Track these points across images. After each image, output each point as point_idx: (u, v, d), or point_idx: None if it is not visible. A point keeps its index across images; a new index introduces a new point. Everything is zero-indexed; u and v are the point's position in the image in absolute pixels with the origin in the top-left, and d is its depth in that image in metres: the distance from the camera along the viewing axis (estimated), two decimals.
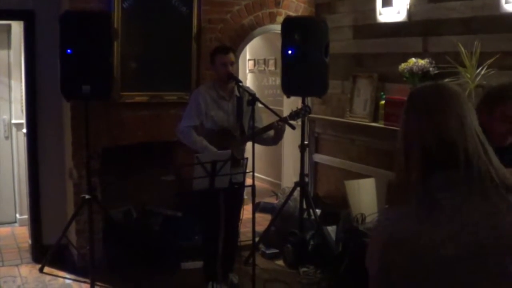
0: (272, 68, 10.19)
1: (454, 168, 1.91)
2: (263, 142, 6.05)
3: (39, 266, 6.62)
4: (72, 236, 6.67)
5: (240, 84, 5.79)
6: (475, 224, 1.86)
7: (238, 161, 5.71)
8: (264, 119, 6.10)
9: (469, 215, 1.87)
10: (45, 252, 6.67)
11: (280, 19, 7.45)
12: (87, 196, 6.20)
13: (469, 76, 5.44)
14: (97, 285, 6.08)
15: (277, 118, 5.78)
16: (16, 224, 8.19)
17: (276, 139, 6.01)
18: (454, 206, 1.89)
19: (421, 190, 1.93)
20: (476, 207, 1.88)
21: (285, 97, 7.45)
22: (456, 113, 1.96)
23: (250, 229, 5.73)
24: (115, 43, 6.52)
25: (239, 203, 6.13)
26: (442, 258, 1.86)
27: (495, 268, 1.84)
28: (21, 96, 7.71)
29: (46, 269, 6.56)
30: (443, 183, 1.92)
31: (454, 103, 1.99)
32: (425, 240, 1.89)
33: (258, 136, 5.68)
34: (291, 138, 8.45)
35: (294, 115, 5.96)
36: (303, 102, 6.79)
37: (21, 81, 7.55)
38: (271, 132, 5.91)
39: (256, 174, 5.54)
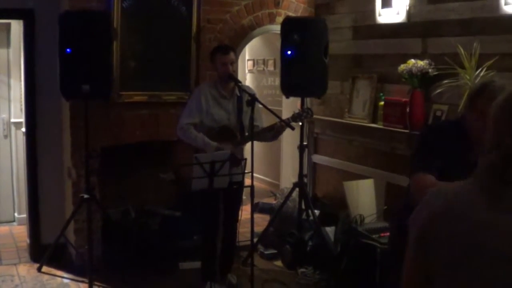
0: (271, 68, 10.20)
1: None
2: (262, 139, 6.07)
3: (37, 265, 6.62)
4: (71, 235, 6.67)
5: (240, 84, 5.79)
6: None
7: (237, 161, 5.72)
8: (263, 119, 6.10)
9: None
10: (44, 251, 6.66)
11: (280, 19, 7.45)
12: (85, 196, 6.20)
13: (468, 77, 5.44)
14: (95, 284, 6.07)
15: (277, 118, 5.79)
16: (15, 223, 8.19)
17: (275, 137, 6.04)
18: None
19: (496, 181, 1.90)
20: None
21: (284, 97, 7.45)
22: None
23: (248, 229, 5.73)
24: (115, 43, 6.51)
25: (238, 203, 6.13)
26: (493, 256, 1.84)
27: None
28: (20, 95, 7.72)
29: (44, 268, 6.56)
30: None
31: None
32: (485, 229, 1.87)
33: (257, 136, 5.68)
34: (290, 138, 8.46)
35: (296, 116, 5.97)
36: (302, 105, 6.80)
37: (20, 80, 7.55)
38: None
39: (255, 175, 5.53)
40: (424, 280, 2.04)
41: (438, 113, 6.05)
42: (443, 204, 2.00)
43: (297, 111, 6.11)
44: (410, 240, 2.09)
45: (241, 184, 5.99)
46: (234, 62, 6.00)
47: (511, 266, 1.81)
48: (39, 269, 6.55)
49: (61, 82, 6.05)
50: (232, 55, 5.87)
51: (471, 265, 1.88)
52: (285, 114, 7.58)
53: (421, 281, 2.06)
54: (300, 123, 6.91)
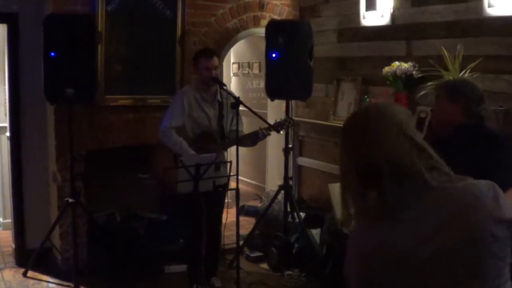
0: (256, 71, 10.22)
1: (393, 185, 1.97)
2: (243, 144, 6.05)
3: (22, 270, 6.58)
4: (56, 240, 6.64)
5: (224, 88, 5.80)
6: (448, 223, 1.91)
7: (221, 164, 5.72)
8: (247, 122, 6.11)
9: (441, 216, 1.93)
10: (29, 256, 6.62)
11: (264, 22, 7.46)
12: (70, 200, 6.18)
13: (452, 79, 5.47)
14: None
15: (260, 122, 5.79)
16: (0, 228, 8.15)
17: (254, 143, 6.03)
18: (424, 211, 1.95)
19: (380, 204, 1.99)
20: (446, 207, 1.94)
21: (269, 100, 7.45)
22: (373, 136, 2.03)
23: (234, 232, 5.73)
24: (99, 46, 6.50)
25: (221, 205, 6.13)
26: (420, 261, 1.91)
27: (472, 265, 1.89)
28: (5, 99, 7.68)
29: (30, 273, 6.52)
30: (397, 198, 1.97)
31: (369, 127, 2.06)
32: (401, 245, 1.94)
33: (240, 141, 5.67)
34: (275, 141, 8.46)
35: (277, 125, 5.98)
36: (287, 108, 6.82)
37: (4, 84, 7.51)
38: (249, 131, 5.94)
39: (240, 177, 5.53)
40: None
41: (423, 115, 6.05)
42: (368, 242, 2.05)
43: (278, 120, 6.10)
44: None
45: (225, 186, 5.99)
46: (218, 67, 6.00)
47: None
48: (24, 274, 6.51)
49: (46, 86, 6.03)
50: (215, 60, 5.87)
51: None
52: (270, 117, 7.60)
53: None
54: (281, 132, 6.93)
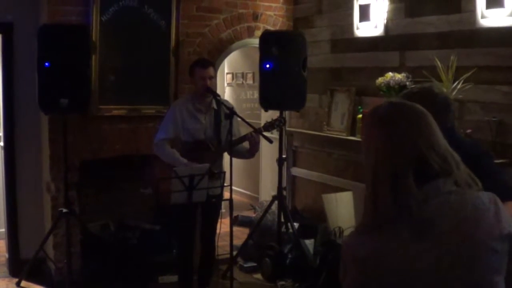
0: (250, 81, 10.23)
1: (424, 184, 1.95)
2: (239, 155, 6.03)
3: (16, 280, 6.56)
4: (50, 250, 6.63)
5: (218, 98, 5.80)
6: (447, 234, 1.90)
7: (214, 174, 5.71)
8: (242, 133, 6.10)
9: (441, 226, 1.92)
10: (22, 266, 6.61)
11: (258, 33, 7.49)
12: (64, 210, 6.18)
13: (445, 90, 5.46)
14: None
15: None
16: None
17: (252, 151, 5.99)
18: (427, 220, 1.93)
19: (393, 206, 1.96)
20: (447, 218, 1.92)
21: (263, 110, 7.47)
22: (419, 130, 2.02)
23: (228, 242, 5.73)
24: (93, 56, 6.50)
25: (216, 216, 6.12)
26: (417, 271, 1.90)
27: (469, 278, 1.89)
28: None
29: (23, 283, 6.50)
30: (415, 198, 1.94)
31: (420, 120, 2.06)
32: (399, 254, 1.93)
33: (233, 147, 5.66)
34: (269, 151, 8.48)
35: (268, 125, 5.98)
36: (280, 115, 6.82)
37: None
38: (247, 144, 5.93)
39: (234, 188, 5.54)
40: None
41: None
42: (371, 248, 2.03)
43: (269, 119, 6.11)
44: None
45: (219, 197, 6.00)
46: (213, 77, 6.00)
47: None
48: (18, 284, 6.50)
49: (40, 95, 6.04)
50: (211, 69, 5.87)
51: None
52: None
53: None
54: (278, 135, 6.93)
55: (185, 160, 5.66)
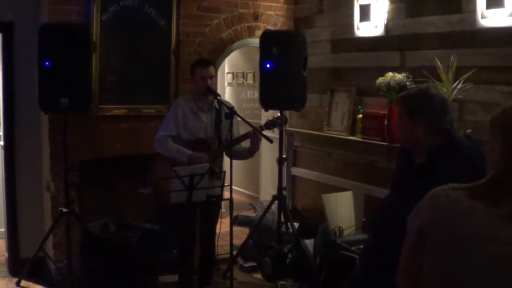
0: (250, 81, 10.23)
1: None
2: (239, 156, 6.02)
3: (16, 279, 6.55)
4: (50, 249, 6.63)
5: (218, 98, 5.80)
6: None
7: (215, 174, 5.71)
8: (242, 132, 6.10)
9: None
10: (22, 265, 6.61)
11: (259, 33, 7.48)
12: (64, 209, 6.18)
13: (445, 90, 5.47)
14: None
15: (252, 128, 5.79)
16: None
17: (252, 150, 5.99)
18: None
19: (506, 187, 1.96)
20: None
21: (263, 110, 7.47)
22: None
23: (228, 242, 5.73)
24: (94, 56, 6.50)
25: (216, 216, 6.12)
26: (480, 256, 1.90)
27: None
28: None
29: (23, 282, 6.50)
30: None
31: None
32: (474, 231, 1.93)
33: (233, 146, 5.66)
34: (269, 151, 8.47)
35: (269, 124, 5.98)
36: (280, 114, 6.81)
37: None
38: (247, 144, 5.93)
39: (234, 187, 5.54)
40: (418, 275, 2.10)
41: None
42: (443, 207, 2.04)
43: (270, 118, 6.11)
44: (408, 236, 2.16)
45: (219, 197, 6.00)
46: (214, 76, 6.01)
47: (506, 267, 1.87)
48: (17, 284, 6.49)
49: (40, 95, 6.04)
50: (212, 69, 5.88)
51: (466, 265, 1.94)
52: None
53: (416, 272, 2.12)
54: (278, 135, 6.93)
55: (188, 151, 5.66)
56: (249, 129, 5.77)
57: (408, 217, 2.17)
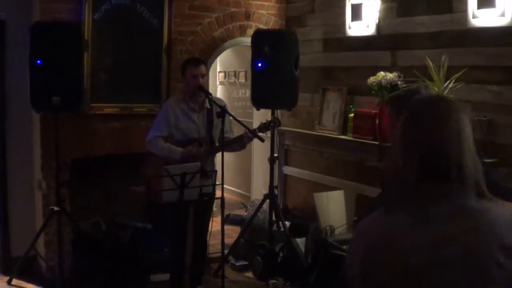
0: (242, 80, 10.24)
1: (446, 181, 1.93)
2: (230, 149, 6.04)
3: (7, 278, 6.52)
4: (41, 248, 6.63)
5: (210, 96, 5.80)
6: (451, 239, 1.87)
7: (206, 173, 5.72)
8: (234, 131, 6.11)
9: (450, 229, 1.88)
10: (14, 264, 6.58)
11: (251, 31, 7.49)
12: (56, 208, 6.16)
13: (436, 89, 5.49)
14: None
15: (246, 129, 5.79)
16: None
17: (243, 146, 6.03)
18: (439, 218, 1.91)
19: (412, 197, 1.95)
20: (459, 222, 1.89)
21: (255, 109, 7.48)
22: (452, 127, 1.98)
23: (219, 241, 5.74)
24: (85, 54, 6.49)
25: (208, 215, 6.12)
26: (410, 268, 1.88)
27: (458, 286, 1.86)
28: None
29: (14, 281, 6.47)
30: (434, 194, 1.93)
31: (450, 117, 2.01)
32: (402, 247, 1.91)
33: (226, 146, 5.68)
34: (260, 150, 8.48)
35: (263, 127, 5.99)
36: (272, 114, 6.81)
37: None
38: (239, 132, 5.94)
39: (225, 186, 5.56)
40: None
41: None
42: (378, 234, 2.02)
43: (264, 121, 6.12)
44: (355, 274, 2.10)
45: (211, 195, 6.00)
46: (205, 75, 6.01)
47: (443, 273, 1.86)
48: (9, 282, 6.47)
49: (32, 93, 6.03)
50: (203, 67, 5.88)
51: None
52: (256, 126, 7.61)
53: None
54: (269, 134, 6.93)
55: (180, 149, 5.66)
56: (241, 127, 5.77)
57: (346, 264, 2.16)
